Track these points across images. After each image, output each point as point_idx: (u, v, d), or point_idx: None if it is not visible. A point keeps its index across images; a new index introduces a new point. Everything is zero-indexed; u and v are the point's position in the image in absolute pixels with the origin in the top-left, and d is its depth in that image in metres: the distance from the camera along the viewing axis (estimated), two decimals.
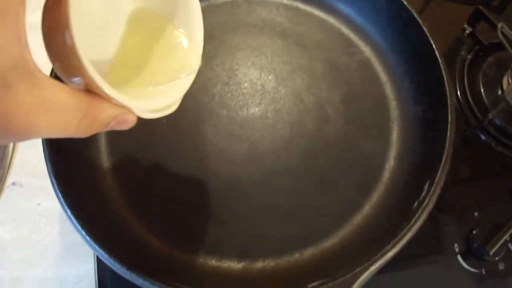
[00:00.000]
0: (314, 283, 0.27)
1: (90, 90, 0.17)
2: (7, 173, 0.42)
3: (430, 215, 0.38)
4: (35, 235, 0.40)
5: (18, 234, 0.40)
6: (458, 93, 0.42)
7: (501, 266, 0.36)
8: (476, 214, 0.38)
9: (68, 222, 0.39)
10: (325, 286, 0.26)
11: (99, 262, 0.38)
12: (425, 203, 0.28)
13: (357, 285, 0.26)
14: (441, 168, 0.28)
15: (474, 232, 0.37)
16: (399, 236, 0.27)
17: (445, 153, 0.29)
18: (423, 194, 0.29)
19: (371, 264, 0.27)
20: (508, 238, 0.36)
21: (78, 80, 0.17)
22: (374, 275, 0.35)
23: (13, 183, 0.42)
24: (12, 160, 0.43)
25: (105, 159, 0.34)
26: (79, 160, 0.33)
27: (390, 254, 0.27)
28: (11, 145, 0.43)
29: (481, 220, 0.38)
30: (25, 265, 0.39)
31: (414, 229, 0.27)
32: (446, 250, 0.37)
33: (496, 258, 0.36)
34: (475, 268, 0.36)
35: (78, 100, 0.16)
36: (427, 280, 0.37)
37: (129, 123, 0.19)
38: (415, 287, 0.37)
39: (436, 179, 0.28)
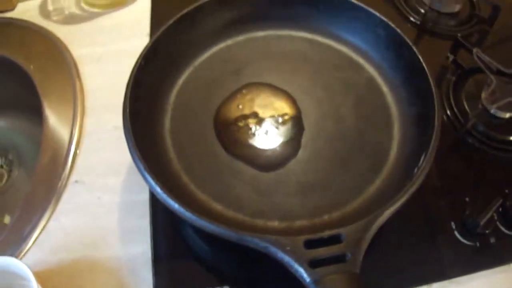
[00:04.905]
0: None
1: None
2: (69, 172, 0.54)
3: (428, 202, 0.50)
4: (95, 222, 0.50)
5: (80, 222, 0.49)
6: (446, 108, 0.57)
7: (492, 240, 0.48)
8: (467, 199, 0.50)
9: (125, 210, 0.51)
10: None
11: (155, 241, 0.48)
12: (422, 167, 0.40)
13: (376, 225, 0.38)
14: (432, 143, 0.41)
15: (466, 212, 0.49)
16: (405, 189, 0.39)
17: (434, 133, 0.42)
18: (421, 162, 0.41)
19: (385, 210, 0.38)
20: (496, 217, 0.49)
21: None
22: (380, 254, 0.46)
23: (76, 181, 0.53)
24: (75, 162, 0.54)
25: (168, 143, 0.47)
26: (148, 124, 0.46)
27: (400, 202, 0.39)
28: (73, 149, 0.55)
29: (471, 204, 0.50)
30: (85, 247, 0.48)
31: (418, 183, 0.39)
32: (445, 228, 0.49)
33: (487, 231, 0.47)
34: (470, 242, 0.48)
35: None
36: (431, 254, 0.47)
37: None
38: (422, 261, 0.48)
39: (430, 150, 0.41)
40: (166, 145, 0.47)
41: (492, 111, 0.55)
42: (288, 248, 0.36)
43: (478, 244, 0.47)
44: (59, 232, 0.50)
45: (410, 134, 0.47)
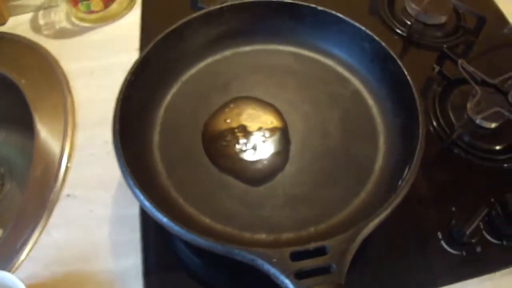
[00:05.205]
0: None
1: None
2: (61, 186, 0.55)
3: (415, 211, 0.52)
4: (87, 236, 0.51)
5: (72, 235, 0.51)
6: (432, 118, 0.59)
7: (479, 249, 0.49)
8: (453, 209, 0.52)
9: (116, 224, 0.52)
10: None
11: (146, 254, 0.49)
12: (407, 179, 0.42)
13: (361, 237, 0.39)
14: (416, 154, 0.43)
15: (453, 222, 0.50)
16: (389, 201, 0.40)
17: (419, 144, 0.43)
18: (405, 174, 0.43)
19: (369, 222, 0.40)
20: (482, 226, 0.50)
21: None
22: (368, 264, 0.47)
23: (68, 195, 0.54)
24: (66, 176, 0.56)
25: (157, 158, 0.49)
26: (138, 139, 0.48)
27: (384, 214, 0.40)
28: (64, 163, 0.57)
29: (457, 213, 0.51)
30: (77, 260, 0.49)
31: (402, 194, 0.40)
32: (432, 238, 0.50)
33: (473, 240, 0.49)
34: (457, 251, 0.49)
35: None
36: (418, 263, 0.49)
37: None
38: (409, 270, 0.49)
39: (414, 161, 0.42)
40: (155, 160, 0.49)
41: (478, 121, 0.57)
42: (275, 260, 0.37)
43: (464, 253, 0.49)
44: (51, 246, 0.51)
45: (395, 146, 0.49)
